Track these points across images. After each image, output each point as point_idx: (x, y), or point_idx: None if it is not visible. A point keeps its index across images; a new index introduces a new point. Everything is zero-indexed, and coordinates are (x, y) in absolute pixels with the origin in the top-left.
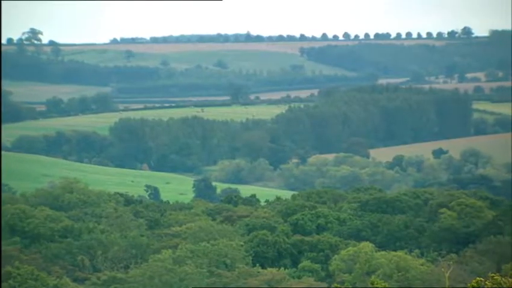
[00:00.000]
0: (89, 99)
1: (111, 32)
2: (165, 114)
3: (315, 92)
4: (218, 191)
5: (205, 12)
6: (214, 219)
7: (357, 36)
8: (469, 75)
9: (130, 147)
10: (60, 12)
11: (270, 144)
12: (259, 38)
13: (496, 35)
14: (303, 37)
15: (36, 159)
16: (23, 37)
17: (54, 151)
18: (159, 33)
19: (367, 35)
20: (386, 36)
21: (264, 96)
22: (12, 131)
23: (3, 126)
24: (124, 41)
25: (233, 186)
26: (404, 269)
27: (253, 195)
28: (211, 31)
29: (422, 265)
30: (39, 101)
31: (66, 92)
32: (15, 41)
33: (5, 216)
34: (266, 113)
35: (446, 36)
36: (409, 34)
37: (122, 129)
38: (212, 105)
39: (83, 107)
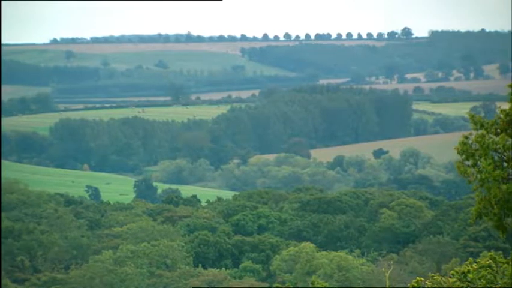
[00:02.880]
0: (29, 99)
1: (51, 32)
2: (105, 115)
3: (256, 92)
4: (159, 191)
5: (146, 12)
6: (155, 220)
7: (297, 37)
8: (409, 76)
9: (70, 147)
10: None
11: (211, 144)
12: (200, 38)
13: (435, 35)
14: (244, 37)
15: None
16: None
17: None
18: (100, 33)
19: (307, 36)
20: (327, 36)
21: (205, 97)
22: None
23: None
24: (64, 41)
25: (174, 186)
26: (345, 269)
27: (194, 196)
28: (152, 31)
29: (362, 265)
30: None
31: (5, 92)
32: None
33: None
34: (207, 113)
35: (386, 36)
36: (349, 35)
37: (62, 130)
38: (153, 106)
39: (22, 107)
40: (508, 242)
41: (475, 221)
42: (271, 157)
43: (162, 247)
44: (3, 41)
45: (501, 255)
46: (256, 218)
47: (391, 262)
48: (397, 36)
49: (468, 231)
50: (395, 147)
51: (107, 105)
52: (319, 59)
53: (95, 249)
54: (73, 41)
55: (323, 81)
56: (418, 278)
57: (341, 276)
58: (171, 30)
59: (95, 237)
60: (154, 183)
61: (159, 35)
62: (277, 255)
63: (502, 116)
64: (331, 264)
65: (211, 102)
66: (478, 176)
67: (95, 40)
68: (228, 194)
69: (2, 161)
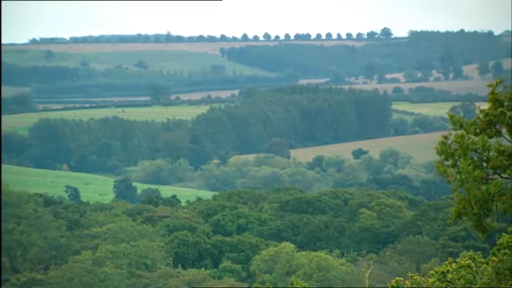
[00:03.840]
0: (8, 99)
1: (30, 32)
2: (85, 115)
3: (236, 92)
4: (138, 191)
5: (125, 12)
6: (134, 220)
7: (277, 37)
8: (388, 76)
9: (50, 147)
10: None
11: (190, 144)
12: (179, 39)
13: (415, 35)
14: (223, 37)
15: None
16: None
17: None
18: (79, 33)
19: (287, 36)
20: (307, 36)
21: (184, 97)
22: None
23: None
24: (43, 41)
25: (153, 186)
26: (325, 269)
27: (174, 196)
28: (131, 31)
29: (342, 265)
30: None
31: None
32: None
33: None
34: (187, 113)
35: (365, 37)
36: (329, 35)
37: (41, 130)
38: (132, 106)
39: (2, 107)
40: (488, 242)
41: (455, 221)
42: (250, 157)
43: (142, 247)
44: None
45: (480, 255)
46: (236, 218)
47: (371, 262)
48: (376, 36)
49: (447, 231)
50: (374, 147)
51: (87, 105)
52: (298, 59)
53: (74, 250)
54: (52, 41)
55: (303, 82)
56: (397, 278)
57: (321, 276)
58: (151, 31)
59: (74, 238)
60: (134, 184)
61: (139, 35)
62: (256, 256)
63: (481, 116)
64: (310, 264)
65: (190, 103)
66: (458, 176)
67: (74, 40)
68: (207, 194)
69: None
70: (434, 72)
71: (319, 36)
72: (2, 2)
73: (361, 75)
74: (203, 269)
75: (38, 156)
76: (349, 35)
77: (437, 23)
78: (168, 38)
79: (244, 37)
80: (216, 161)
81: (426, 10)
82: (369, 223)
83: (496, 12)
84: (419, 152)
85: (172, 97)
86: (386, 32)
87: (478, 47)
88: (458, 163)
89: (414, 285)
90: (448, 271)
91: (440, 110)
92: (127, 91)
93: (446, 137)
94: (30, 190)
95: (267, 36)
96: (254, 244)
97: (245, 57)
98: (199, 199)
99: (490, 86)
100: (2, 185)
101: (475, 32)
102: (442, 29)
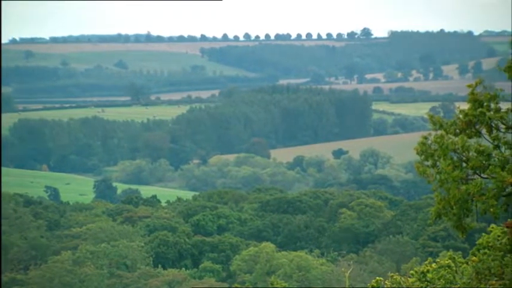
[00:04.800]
0: None
1: (10, 31)
2: (65, 115)
3: (216, 92)
4: (119, 191)
5: (105, 12)
6: (114, 220)
7: (257, 37)
8: (368, 76)
9: (29, 147)
10: None
11: (170, 144)
12: (159, 39)
13: (395, 36)
14: (203, 37)
15: None
16: None
17: None
18: (59, 33)
19: (267, 36)
20: (287, 37)
21: (164, 97)
22: None
23: None
24: (23, 40)
25: (134, 186)
26: (305, 269)
27: (154, 196)
28: (112, 31)
29: (322, 265)
30: None
31: None
32: None
33: None
34: (167, 113)
35: (346, 37)
36: (309, 35)
37: (21, 130)
38: (112, 106)
39: None
40: (467, 242)
41: (434, 221)
42: (231, 157)
43: (122, 247)
44: None
45: (460, 255)
46: (216, 218)
47: (351, 262)
48: (356, 36)
49: (427, 231)
50: (354, 147)
51: (67, 105)
52: (279, 59)
53: (54, 250)
54: (32, 41)
55: (283, 82)
56: (377, 277)
57: (301, 276)
58: (131, 30)
59: (54, 238)
60: (114, 184)
61: (119, 35)
62: (237, 256)
63: (461, 116)
64: (291, 264)
65: (171, 103)
66: (437, 176)
67: (54, 40)
68: (187, 194)
69: None
70: (414, 72)
71: (299, 36)
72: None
73: (341, 76)
74: (183, 269)
75: (17, 156)
76: (329, 35)
77: (417, 23)
78: (148, 38)
79: (225, 37)
80: (196, 161)
81: (406, 10)
82: (349, 223)
83: (475, 13)
84: (399, 152)
85: (153, 97)
86: (366, 32)
87: (458, 47)
88: (438, 163)
89: (394, 285)
90: (428, 271)
91: (420, 110)
92: (107, 91)
93: (426, 137)
94: (10, 190)
95: (247, 36)
96: (234, 244)
97: (225, 57)
98: (179, 199)
99: (469, 86)
100: None
101: (455, 32)
102: (422, 29)
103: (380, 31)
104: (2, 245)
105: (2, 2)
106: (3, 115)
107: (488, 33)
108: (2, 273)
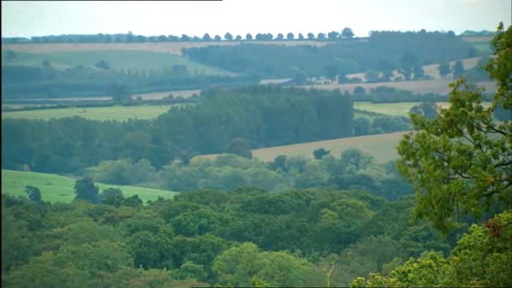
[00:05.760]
0: None
1: None
2: (46, 115)
3: (198, 92)
4: (100, 191)
5: (87, 12)
6: (96, 220)
7: (239, 37)
8: (350, 76)
9: (11, 147)
10: None
11: (152, 144)
12: (141, 38)
13: (376, 36)
14: (185, 37)
15: None
16: None
17: None
18: (40, 33)
19: (249, 36)
20: (268, 37)
21: (146, 97)
22: None
23: None
24: (5, 40)
25: (115, 186)
26: (287, 269)
27: (136, 196)
28: (93, 31)
29: (304, 265)
30: None
31: None
32: None
33: None
34: (148, 113)
35: (327, 37)
36: (290, 35)
37: (2, 130)
38: (94, 106)
39: None
40: (448, 241)
41: (416, 221)
42: (212, 157)
43: (103, 248)
44: None
45: (441, 255)
46: (198, 218)
47: (332, 262)
48: (338, 36)
49: (409, 231)
50: (336, 147)
51: (48, 105)
52: (260, 59)
53: (35, 250)
54: (14, 40)
55: (264, 82)
56: (358, 277)
57: (282, 276)
58: (112, 30)
59: (35, 238)
60: (95, 184)
61: (100, 34)
62: (218, 256)
63: (442, 115)
64: (272, 264)
65: (152, 103)
66: (419, 175)
67: (36, 40)
68: (169, 194)
69: None
70: (395, 72)
71: (280, 36)
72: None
73: (322, 75)
74: (165, 269)
75: None
76: (310, 35)
77: (399, 23)
78: (130, 38)
79: (206, 37)
80: (177, 161)
81: (387, 10)
82: (330, 223)
83: (456, 13)
84: (381, 152)
85: (134, 97)
86: (347, 32)
87: (439, 47)
88: (419, 163)
89: (375, 285)
90: (409, 271)
91: (402, 110)
92: (88, 91)
93: (407, 137)
94: None
95: (228, 36)
96: (216, 244)
97: (207, 57)
98: (161, 199)
99: (451, 85)
100: None
101: (436, 32)
102: (403, 29)
103: (361, 31)
104: None
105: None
106: None
107: (469, 33)
108: (1, 273)
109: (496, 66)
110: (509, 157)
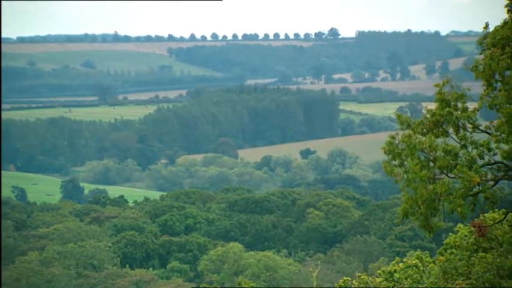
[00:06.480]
0: None
1: None
2: (32, 115)
3: (184, 92)
4: (86, 191)
5: (72, 12)
6: (82, 220)
7: (224, 37)
8: (336, 76)
9: None
10: None
11: (138, 144)
12: (127, 38)
13: (362, 36)
14: (171, 37)
15: None
16: None
17: None
18: (26, 33)
19: (235, 36)
20: (254, 37)
21: (132, 97)
22: None
23: None
24: None
25: (101, 187)
26: (273, 269)
27: (122, 196)
28: (79, 31)
29: (290, 265)
30: None
31: None
32: None
33: None
34: (134, 113)
35: (313, 37)
36: (276, 35)
37: None
38: (80, 106)
39: None
40: (434, 241)
41: (402, 221)
42: (198, 157)
43: (89, 248)
44: None
45: (427, 255)
46: (184, 218)
47: (318, 262)
48: (324, 36)
49: (395, 231)
50: (322, 147)
51: (34, 105)
52: (246, 59)
53: (21, 250)
54: None
55: (250, 82)
56: (345, 277)
57: (268, 276)
58: (98, 30)
59: (21, 238)
60: (81, 184)
61: (86, 34)
62: (204, 256)
63: (428, 116)
64: (258, 264)
65: (138, 103)
66: (405, 175)
67: (22, 40)
68: (155, 195)
69: None
70: (381, 72)
71: (266, 36)
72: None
73: (308, 76)
74: (151, 269)
75: None
76: (296, 35)
77: (385, 23)
78: (116, 38)
79: (192, 37)
80: (163, 161)
81: (373, 10)
82: (316, 223)
83: (442, 13)
84: (367, 152)
85: (120, 97)
86: (333, 32)
87: (425, 47)
88: (405, 163)
89: (362, 285)
90: (395, 271)
91: (388, 110)
92: (74, 91)
93: (393, 137)
94: None
95: (214, 36)
96: (202, 244)
97: (193, 57)
98: (146, 199)
99: (437, 86)
100: None
101: (422, 33)
102: (389, 29)
103: (347, 31)
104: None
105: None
106: None
107: (455, 34)
108: (1, 273)
109: (481, 66)
110: (495, 157)
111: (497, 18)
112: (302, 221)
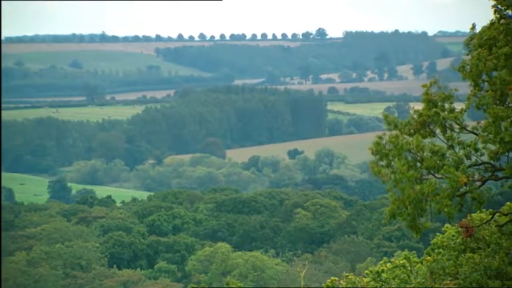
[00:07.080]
0: None
1: None
2: (19, 115)
3: (171, 92)
4: (73, 192)
5: (60, 11)
6: (69, 221)
7: (212, 37)
8: (323, 76)
9: None
10: None
11: (126, 145)
12: (114, 38)
13: (349, 36)
14: (158, 37)
15: None
16: None
17: None
18: (13, 33)
19: (222, 36)
20: (242, 37)
21: (119, 97)
22: None
23: None
24: None
25: (89, 187)
26: (260, 269)
27: (109, 196)
28: (66, 31)
29: (277, 265)
30: None
31: None
32: None
33: None
34: (122, 113)
35: (300, 37)
36: (264, 35)
37: None
38: (67, 106)
39: None
40: (422, 241)
41: (389, 221)
42: (186, 157)
43: (77, 248)
44: None
45: (415, 255)
46: (171, 218)
47: (306, 262)
48: (311, 36)
49: (382, 231)
50: (310, 147)
51: (21, 105)
52: (234, 59)
53: (8, 251)
54: None
55: (238, 82)
56: (332, 277)
57: (256, 276)
58: (85, 30)
59: (8, 238)
60: (69, 184)
61: (73, 34)
62: (192, 256)
63: (415, 116)
64: (246, 264)
65: (126, 103)
66: (392, 176)
67: (9, 40)
68: (143, 195)
69: None
70: (368, 72)
71: (254, 36)
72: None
73: (296, 76)
74: (138, 269)
75: None
76: (284, 36)
77: (372, 23)
78: (103, 38)
79: (180, 37)
80: (151, 161)
81: (360, 11)
82: (304, 223)
83: (429, 13)
84: (354, 152)
85: (108, 97)
86: (321, 32)
87: (412, 48)
88: (392, 163)
89: (349, 285)
90: (382, 271)
91: (375, 110)
92: (62, 91)
93: (380, 137)
94: None
95: (202, 36)
96: (189, 244)
97: (180, 58)
98: (134, 199)
99: (424, 86)
100: None
101: (409, 33)
102: (377, 30)
103: (335, 31)
104: None
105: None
106: None
107: (443, 34)
108: (1, 273)
109: (468, 67)
110: (482, 158)
111: (484, 18)
112: (290, 221)
